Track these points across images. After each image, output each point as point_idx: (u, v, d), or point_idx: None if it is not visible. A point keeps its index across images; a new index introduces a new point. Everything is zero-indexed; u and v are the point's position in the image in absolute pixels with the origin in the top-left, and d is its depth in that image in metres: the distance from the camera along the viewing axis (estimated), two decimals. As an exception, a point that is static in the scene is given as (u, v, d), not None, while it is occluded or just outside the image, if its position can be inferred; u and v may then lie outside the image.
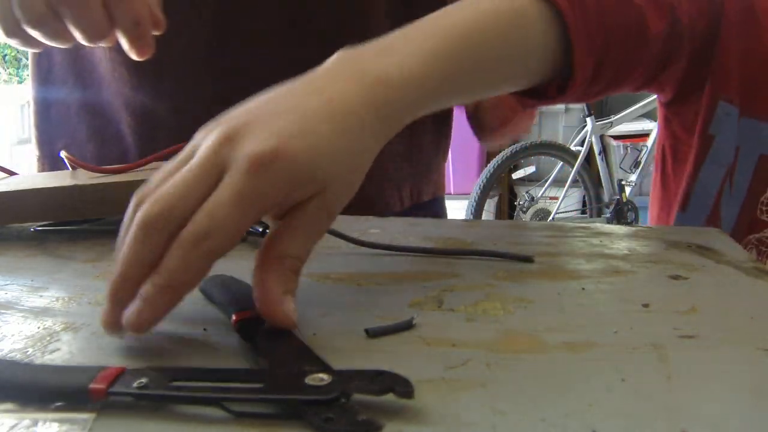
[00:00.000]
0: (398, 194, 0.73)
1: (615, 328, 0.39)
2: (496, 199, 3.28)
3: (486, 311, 0.41)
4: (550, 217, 3.28)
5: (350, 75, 0.41)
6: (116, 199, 0.62)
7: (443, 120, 0.85)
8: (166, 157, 0.68)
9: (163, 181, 0.37)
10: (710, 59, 0.64)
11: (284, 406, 0.29)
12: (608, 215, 3.22)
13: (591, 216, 3.34)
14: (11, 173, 0.75)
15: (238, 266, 0.52)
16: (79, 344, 0.38)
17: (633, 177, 3.28)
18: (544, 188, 3.28)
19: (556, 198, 3.25)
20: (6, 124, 2.79)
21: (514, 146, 3.00)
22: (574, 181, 3.21)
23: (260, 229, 0.57)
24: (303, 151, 0.36)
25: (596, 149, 3.20)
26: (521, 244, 0.57)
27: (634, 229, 0.62)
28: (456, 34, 0.47)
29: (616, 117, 3.25)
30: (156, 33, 0.59)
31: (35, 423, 0.29)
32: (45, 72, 0.83)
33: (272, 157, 0.35)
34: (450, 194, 3.15)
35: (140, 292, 0.34)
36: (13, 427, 0.29)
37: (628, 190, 3.27)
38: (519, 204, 3.30)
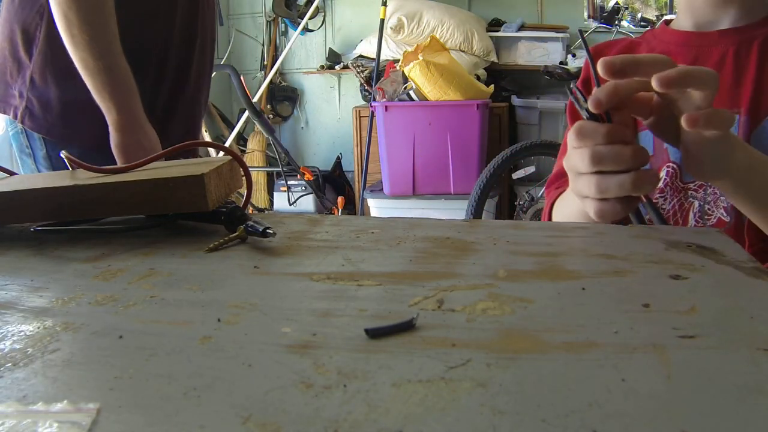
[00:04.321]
0: None
1: (615, 328, 0.39)
2: (496, 199, 3.28)
3: (486, 311, 0.41)
4: (550, 217, 3.27)
5: None
6: (116, 199, 0.62)
7: None
8: (166, 158, 0.68)
9: None
10: None
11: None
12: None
13: (591, 216, 3.33)
14: (11, 173, 0.75)
15: (239, 266, 0.53)
16: (79, 344, 0.38)
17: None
18: (544, 188, 3.28)
19: (556, 198, 3.25)
20: (6, 124, 2.79)
21: (514, 146, 3.00)
22: (574, 181, 3.21)
23: (260, 229, 0.57)
24: None
25: (596, 149, 3.19)
26: (521, 243, 0.57)
27: (634, 229, 0.62)
28: None
29: (616, 117, 3.23)
30: None
31: (35, 423, 0.29)
32: None
33: None
34: (450, 194, 3.15)
35: None
36: (13, 426, 0.29)
37: (628, 190, 3.25)
38: (519, 204, 3.29)
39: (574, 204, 0.72)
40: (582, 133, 0.59)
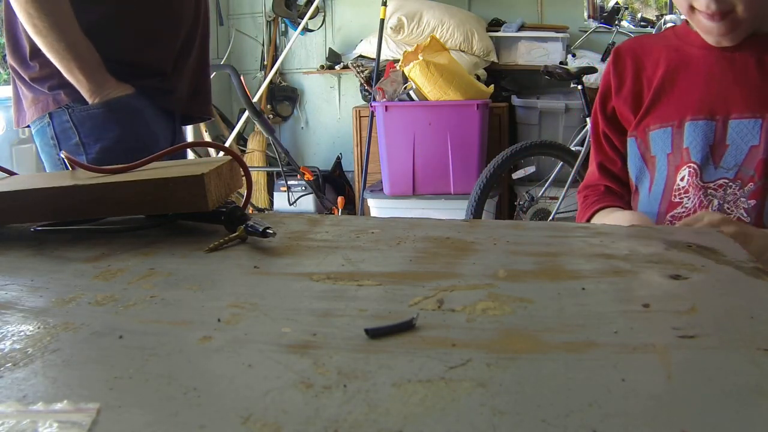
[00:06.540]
0: None
1: (615, 328, 0.39)
2: (496, 199, 3.28)
3: (486, 311, 0.41)
4: (550, 217, 3.27)
5: None
6: (116, 199, 0.62)
7: None
8: (165, 158, 0.68)
9: None
10: None
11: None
12: (608, 215, 3.21)
13: (591, 216, 3.32)
14: (11, 173, 0.75)
15: (239, 266, 0.53)
16: (79, 344, 0.38)
17: (633, 177, 3.26)
18: (544, 188, 3.28)
19: (556, 198, 3.24)
20: (6, 123, 2.79)
21: (514, 146, 2.99)
22: (574, 181, 3.20)
23: (260, 229, 0.57)
24: None
25: (596, 149, 3.19)
26: (521, 243, 0.57)
27: (634, 229, 0.62)
28: None
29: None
30: None
31: (35, 423, 0.29)
32: None
33: None
34: (450, 194, 3.15)
35: None
36: (13, 426, 0.29)
37: (628, 190, 3.25)
38: (519, 204, 3.29)
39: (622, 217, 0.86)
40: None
